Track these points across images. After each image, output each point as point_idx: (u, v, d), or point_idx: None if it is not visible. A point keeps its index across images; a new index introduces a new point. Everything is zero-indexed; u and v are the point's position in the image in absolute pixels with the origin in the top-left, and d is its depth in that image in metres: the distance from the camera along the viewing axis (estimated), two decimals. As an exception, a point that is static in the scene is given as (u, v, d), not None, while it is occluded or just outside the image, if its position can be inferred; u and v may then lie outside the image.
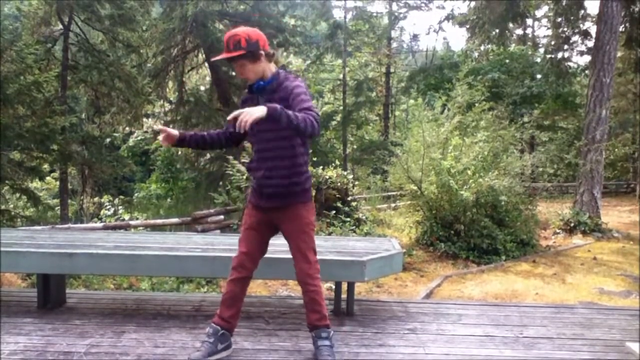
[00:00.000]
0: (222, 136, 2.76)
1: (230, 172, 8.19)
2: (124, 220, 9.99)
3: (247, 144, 5.45)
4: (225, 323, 2.62)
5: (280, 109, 2.19)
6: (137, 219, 10.53)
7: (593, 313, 3.70)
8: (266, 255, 2.98)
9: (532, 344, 2.99)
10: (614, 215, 13.81)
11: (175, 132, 2.64)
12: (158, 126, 2.73)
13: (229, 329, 2.64)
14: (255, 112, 2.15)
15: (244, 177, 7.87)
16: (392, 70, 24.07)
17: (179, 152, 15.62)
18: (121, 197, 13.71)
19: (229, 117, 2.24)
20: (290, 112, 2.23)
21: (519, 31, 24.86)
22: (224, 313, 2.62)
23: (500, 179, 8.08)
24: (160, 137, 2.63)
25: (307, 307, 2.65)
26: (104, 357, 2.57)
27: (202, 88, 15.74)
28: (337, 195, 8.65)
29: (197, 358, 2.51)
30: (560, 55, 17.87)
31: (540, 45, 24.32)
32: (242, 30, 2.51)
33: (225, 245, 3.49)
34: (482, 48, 21.14)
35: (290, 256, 3.01)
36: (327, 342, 2.61)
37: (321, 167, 9.46)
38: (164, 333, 2.92)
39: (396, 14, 22.98)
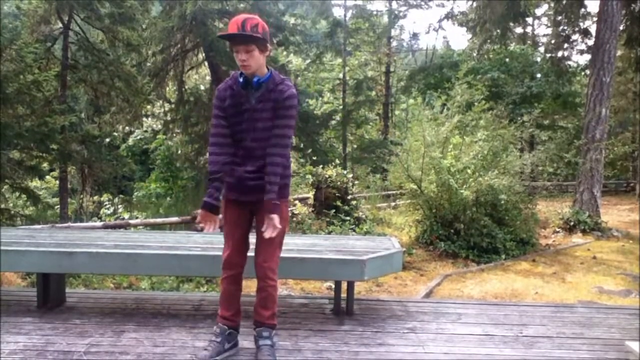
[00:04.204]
0: (229, 147, 2.59)
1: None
2: (123, 219, 9.98)
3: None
4: (230, 322, 2.63)
5: (275, 205, 2.45)
6: (137, 217, 10.52)
7: (593, 312, 3.70)
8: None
9: (532, 343, 2.99)
10: (613, 214, 13.80)
11: (214, 217, 2.56)
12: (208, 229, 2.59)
13: (235, 327, 2.65)
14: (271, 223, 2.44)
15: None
16: (391, 69, 24.02)
17: (179, 151, 15.61)
18: (121, 196, 13.71)
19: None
20: (275, 188, 2.46)
21: (519, 30, 24.83)
22: (225, 313, 2.62)
23: (500, 177, 8.08)
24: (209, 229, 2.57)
25: (259, 303, 2.61)
26: (103, 357, 2.57)
27: (202, 87, 15.73)
28: (337, 194, 8.66)
29: (205, 358, 2.50)
30: (560, 54, 17.89)
31: (540, 44, 24.30)
32: (257, 17, 2.50)
33: (225, 244, 3.48)
34: (485, 47, 21.10)
35: (290, 255, 3.01)
36: (268, 342, 2.60)
37: (321, 166, 9.46)
38: (163, 332, 2.92)
39: (396, 12, 22.95)
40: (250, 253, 2.68)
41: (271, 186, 2.46)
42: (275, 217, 2.44)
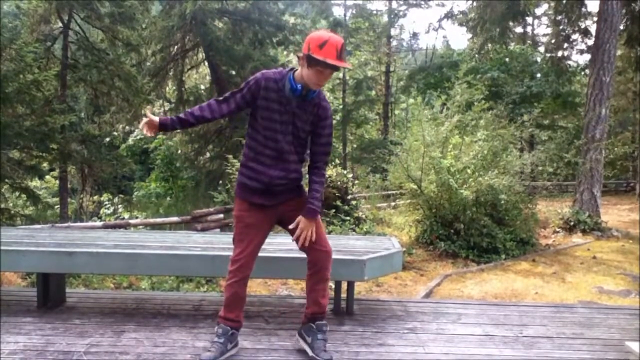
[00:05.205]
0: (208, 116, 2.53)
1: (230, 171, 8.19)
2: (123, 219, 9.99)
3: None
4: (233, 323, 2.62)
5: (316, 212, 2.57)
6: (137, 217, 10.53)
7: (593, 312, 3.70)
8: (266, 255, 2.98)
9: (532, 343, 2.99)
10: (613, 214, 13.82)
11: (155, 117, 2.50)
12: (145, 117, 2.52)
13: (237, 327, 2.65)
14: (310, 228, 2.54)
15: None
16: (391, 69, 24.05)
17: (179, 151, 15.62)
18: (121, 195, 13.72)
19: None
20: (320, 197, 2.59)
21: (519, 29, 24.86)
22: (230, 314, 2.61)
23: (500, 177, 8.08)
24: (143, 129, 2.51)
25: (318, 293, 2.63)
26: (103, 357, 2.57)
27: (202, 87, 15.73)
28: (337, 194, 8.64)
29: (209, 358, 2.50)
30: (560, 53, 17.89)
31: (540, 44, 24.32)
32: (339, 36, 2.52)
33: (225, 244, 3.48)
34: (487, 47, 21.10)
35: (290, 255, 3.01)
36: (324, 336, 2.63)
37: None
38: (163, 332, 2.92)
39: (396, 11, 22.97)
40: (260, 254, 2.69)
41: (317, 194, 2.58)
42: (310, 226, 2.54)
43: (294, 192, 2.65)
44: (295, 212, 2.62)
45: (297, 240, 2.60)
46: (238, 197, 2.64)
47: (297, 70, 2.52)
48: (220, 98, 2.57)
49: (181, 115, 2.57)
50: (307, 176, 2.69)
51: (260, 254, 2.83)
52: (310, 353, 2.59)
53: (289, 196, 2.63)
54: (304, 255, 2.71)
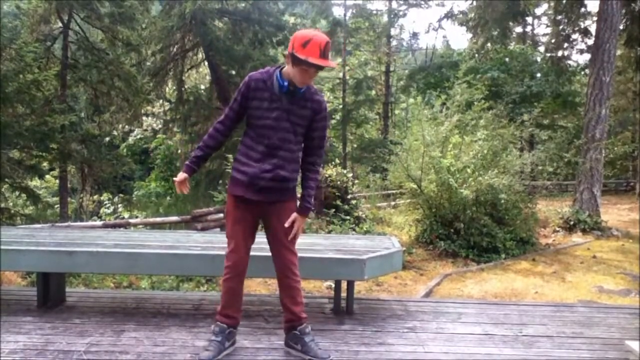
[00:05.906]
0: (220, 138, 2.67)
1: (230, 171, 8.19)
2: (123, 218, 9.99)
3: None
4: (231, 320, 2.62)
5: (310, 209, 2.66)
6: (137, 217, 10.53)
7: (592, 311, 3.70)
8: (266, 254, 2.98)
9: (532, 343, 2.99)
10: (613, 213, 13.82)
11: (183, 175, 2.65)
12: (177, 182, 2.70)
13: (235, 325, 2.65)
14: (302, 224, 2.66)
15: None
16: (391, 68, 24.04)
17: (179, 151, 15.63)
18: (121, 195, 13.71)
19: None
20: (313, 194, 2.64)
21: (519, 29, 24.86)
22: (227, 311, 2.61)
23: (499, 177, 8.08)
24: (178, 190, 2.70)
25: (289, 300, 2.63)
26: (103, 356, 2.57)
27: (202, 87, 15.74)
28: (337, 194, 8.64)
29: (208, 358, 2.50)
30: (560, 53, 17.91)
31: (540, 44, 24.32)
32: (324, 35, 2.51)
33: (225, 243, 3.48)
34: (487, 46, 21.08)
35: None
36: (312, 337, 2.63)
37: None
38: (163, 332, 2.92)
39: (396, 11, 22.96)
40: (256, 253, 2.68)
41: (311, 191, 2.63)
42: (303, 222, 2.63)
43: (282, 194, 2.59)
44: (282, 216, 2.60)
45: (271, 241, 2.65)
46: (228, 193, 2.67)
47: (285, 67, 2.55)
48: (222, 117, 2.67)
49: (199, 153, 2.68)
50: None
51: (260, 254, 2.83)
52: (307, 358, 2.58)
53: (276, 198, 2.58)
54: (302, 254, 2.71)
